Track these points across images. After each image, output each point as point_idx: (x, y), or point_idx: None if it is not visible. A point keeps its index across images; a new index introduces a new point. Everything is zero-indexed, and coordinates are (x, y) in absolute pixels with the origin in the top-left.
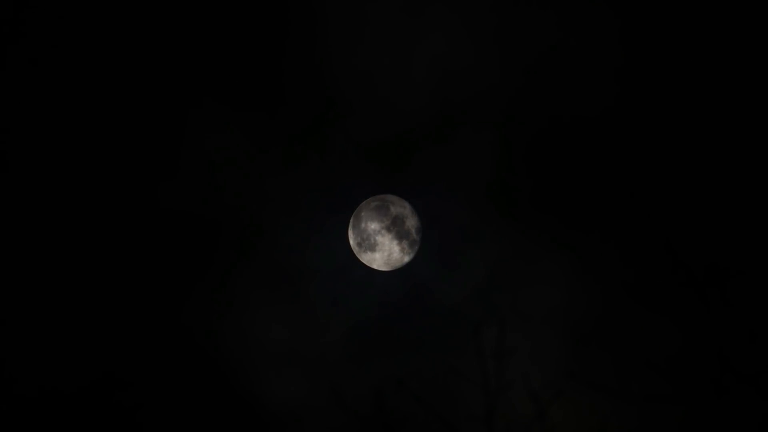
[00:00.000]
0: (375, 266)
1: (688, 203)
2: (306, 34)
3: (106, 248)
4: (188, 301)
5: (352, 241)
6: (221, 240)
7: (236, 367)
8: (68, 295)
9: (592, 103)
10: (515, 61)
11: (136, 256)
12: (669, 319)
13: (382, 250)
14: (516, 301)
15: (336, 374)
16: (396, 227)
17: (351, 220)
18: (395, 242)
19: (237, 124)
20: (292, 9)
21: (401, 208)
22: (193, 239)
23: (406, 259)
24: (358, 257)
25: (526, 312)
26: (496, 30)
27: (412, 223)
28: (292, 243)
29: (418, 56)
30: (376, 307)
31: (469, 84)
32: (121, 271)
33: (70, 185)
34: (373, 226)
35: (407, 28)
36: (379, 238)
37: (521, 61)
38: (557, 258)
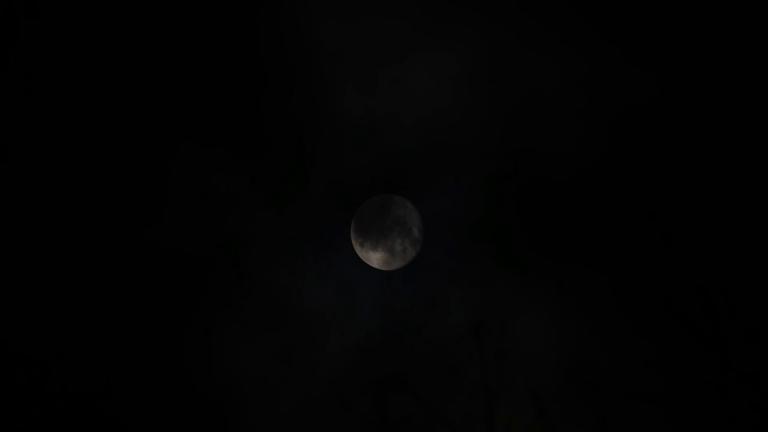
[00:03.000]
0: (376, 266)
1: (686, 205)
2: (291, 77)
3: (102, 290)
4: (182, 334)
5: (354, 242)
6: (214, 277)
7: (228, 400)
8: (62, 329)
9: (584, 144)
10: (502, 106)
11: (128, 296)
12: (667, 320)
13: (384, 250)
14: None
15: (337, 375)
16: (398, 226)
17: (353, 221)
18: (397, 241)
19: (227, 167)
20: (279, 51)
21: (403, 207)
22: (187, 278)
23: (409, 258)
24: (361, 257)
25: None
26: (485, 73)
27: (414, 222)
28: (281, 281)
29: (408, 98)
30: (377, 309)
31: (454, 126)
32: (115, 310)
33: (64, 222)
34: (375, 226)
35: (401, 73)
36: (380, 238)
37: (510, 106)
38: (547, 297)
